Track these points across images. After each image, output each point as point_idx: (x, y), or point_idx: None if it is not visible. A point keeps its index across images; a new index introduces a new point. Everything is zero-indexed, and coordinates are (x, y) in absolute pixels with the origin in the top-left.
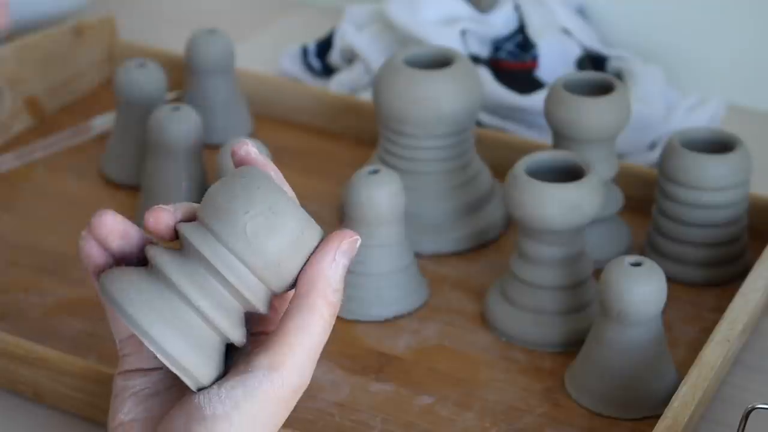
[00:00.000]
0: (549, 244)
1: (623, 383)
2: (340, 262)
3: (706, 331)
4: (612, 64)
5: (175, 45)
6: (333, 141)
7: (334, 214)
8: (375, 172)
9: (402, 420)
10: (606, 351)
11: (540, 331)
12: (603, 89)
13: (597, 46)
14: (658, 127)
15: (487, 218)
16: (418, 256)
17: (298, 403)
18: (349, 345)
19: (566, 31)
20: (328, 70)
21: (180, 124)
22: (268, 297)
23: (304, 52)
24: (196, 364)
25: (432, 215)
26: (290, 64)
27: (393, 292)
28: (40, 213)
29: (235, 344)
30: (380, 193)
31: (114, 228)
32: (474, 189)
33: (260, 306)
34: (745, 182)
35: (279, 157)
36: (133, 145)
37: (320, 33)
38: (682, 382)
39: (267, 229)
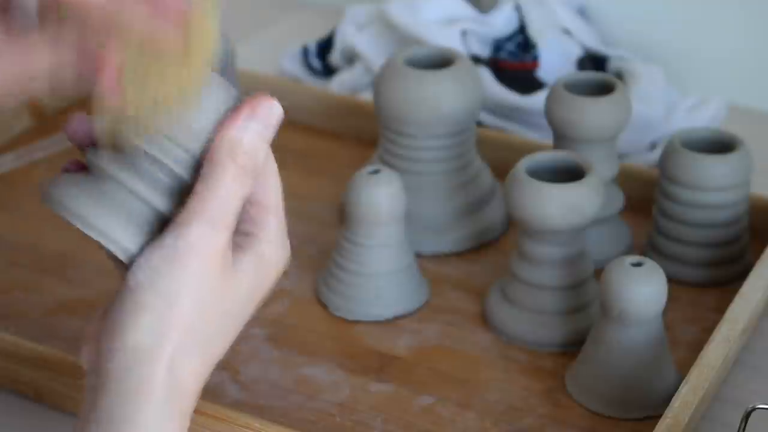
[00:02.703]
0: (549, 244)
1: (624, 383)
2: (251, 126)
3: (707, 331)
4: (612, 64)
5: None
6: (333, 141)
7: (334, 214)
8: (375, 172)
9: (402, 420)
10: (607, 351)
11: (540, 331)
12: (603, 89)
13: (597, 47)
14: (659, 128)
15: (488, 218)
16: (418, 256)
17: (298, 403)
18: (349, 345)
19: (567, 32)
20: (328, 71)
21: None
22: (189, 162)
23: (305, 52)
24: (117, 232)
25: (432, 215)
26: (290, 64)
27: (393, 292)
28: (40, 213)
29: (163, 212)
30: (380, 193)
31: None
32: (474, 189)
33: (179, 169)
34: (746, 182)
35: (279, 157)
36: None
37: (320, 33)
38: (683, 382)
39: (175, 98)
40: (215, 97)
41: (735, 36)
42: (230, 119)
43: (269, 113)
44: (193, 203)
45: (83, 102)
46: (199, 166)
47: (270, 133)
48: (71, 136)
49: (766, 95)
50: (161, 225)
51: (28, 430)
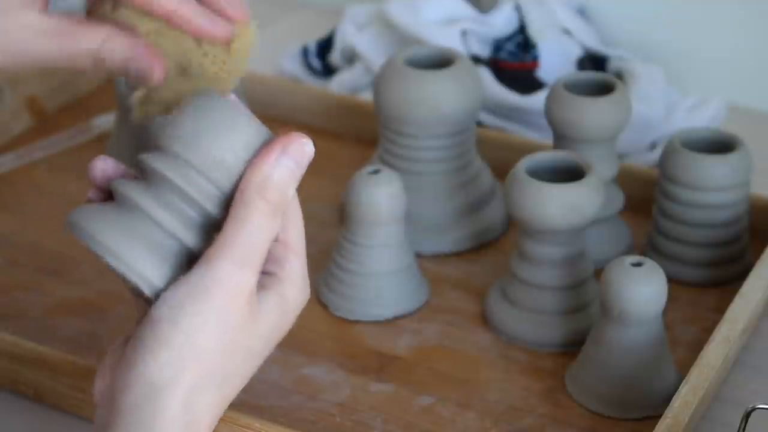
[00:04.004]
0: (549, 244)
1: (624, 383)
2: (284, 163)
3: (707, 331)
4: (612, 64)
5: None
6: (333, 141)
7: (334, 214)
8: (375, 172)
9: (402, 420)
10: (607, 351)
11: (540, 331)
12: (603, 89)
13: (597, 46)
14: (659, 128)
15: (488, 218)
16: (418, 256)
17: (298, 403)
18: (349, 345)
19: (567, 32)
20: (328, 70)
21: None
22: (219, 198)
23: (305, 52)
24: (145, 266)
25: (432, 215)
26: (290, 64)
27: (393, 292)
28: (40, 213)
29: (191, 248)
30: (380, 193)
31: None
32: (474, 189)
33: (209, 206)
34: (746, 182)
35: None
36: (133, 145)
37: (320, 33)
38: (683, 382)
39: (208, 130)
40: (247, 132)
41: (735, 36)
42: (262, 155)
43: (301, 150)
44: (222, 240)
45: (83, 102)
46: (228, 203)
47: (300, 171)
48: (94, 176)
49: (766, 95)
50: (187, 261)
51: (28, 430)
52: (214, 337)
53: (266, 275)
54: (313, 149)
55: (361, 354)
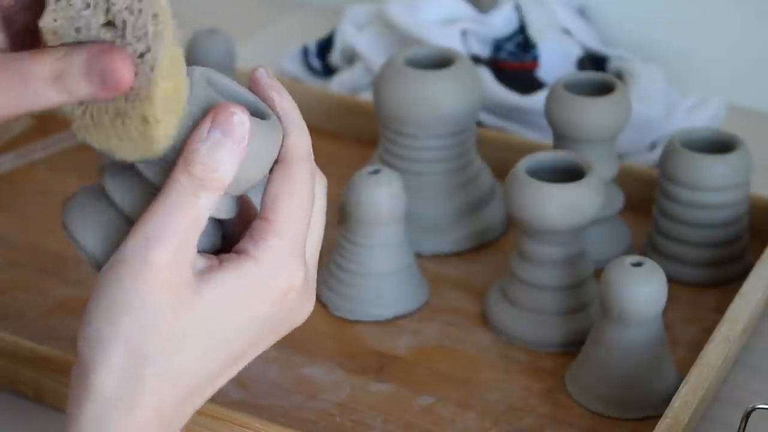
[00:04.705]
0: (549, 244)
1: (624, 383)
2: (212, 136)
3: (707, 331)
4: (612, 64)
5: None
6: (333, 141)
7: (334, 214)
8: (375, 172)
9: (402, 420)
10: (607, 351)
11: (540, 331)
12: (603, 89)
13: (597, 46)
14: (659, 128)
15: (488, 218)
16: (418, 256)
17: (298, 403)
18: (349, 345)
19: (567, 32)
20: (328, 70)
21: None
22: (165, 170)
23: (305, 52)
24: (89, 241)
25: (432, 215)
26: (290, 64)
27: (393, 292)
28: (40, 213)
29: None
30: (380, 193)
31: None
32: (474, 189)
33: (156, 178)
34: (746, 182)
35: None
36: None
37: (320, 33)
38: (683, 382)
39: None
40: (194, 101)
41: (735, 36)
42: (196, 128)
43: (228, 121)
44: (141, 217)
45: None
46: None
47: (233, 143)
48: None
49: (765, 95)
50: None
51: (28, 430)
52: (128, 317)
53: (234, 254)
54: (245, 119)
55: (361, 354)
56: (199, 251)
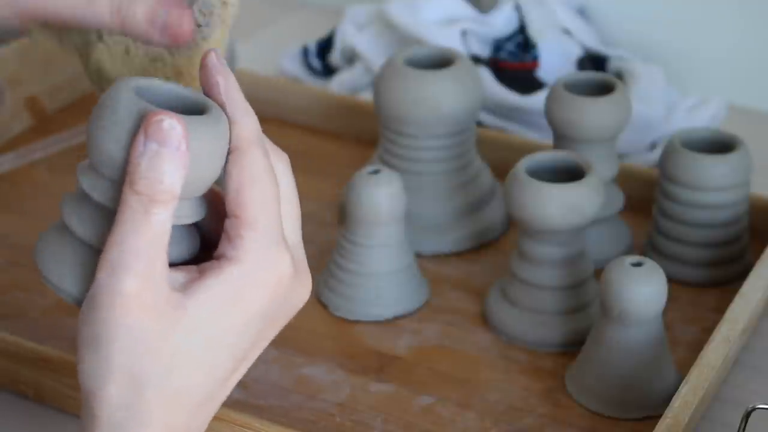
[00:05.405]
0: (549, 244)
1: (624, 383)
2: (148, 148)
3: (707, 331)
4: (612, 64)
5: None
6: (333, 141)
7: (334, 214)
8: (375, 172)
9: (402, 420)
10: (607, 351)
11: (540, 331)
12: (603, 89)
13: (597, 46)
14: (659, 128)
15: (488, 218)
16: (418, 256)
17: (298, 403)
18: (349, 345)
19: (567, 32)
20: (328, 70)
21: None
22: (116, 191)
23: (305, 52)
24: (62, 279)
25: (432, 215)
26: (290, 64)
27: (393, 292)
28: (40, 213)
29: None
30: (380, 193)
31: None
32: (474, 189)
33: (112, 205)
34: (746, 182)
35: None
36: None
37: (320, 33)
38: (683, 382)
39: (97, 126)
40: (129, 117)
41: (735, 36)
42: (132, 144)
43: (158, 129)
44: (105, 247)
45: (83, 102)
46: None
47: (171, 151)
48: None
49: (765, 95)
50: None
51: (28, 430)
52: (114, 347)
53: (215, 260)
54: (175, 123)
55: (361, 354)
56: (175, 263)
